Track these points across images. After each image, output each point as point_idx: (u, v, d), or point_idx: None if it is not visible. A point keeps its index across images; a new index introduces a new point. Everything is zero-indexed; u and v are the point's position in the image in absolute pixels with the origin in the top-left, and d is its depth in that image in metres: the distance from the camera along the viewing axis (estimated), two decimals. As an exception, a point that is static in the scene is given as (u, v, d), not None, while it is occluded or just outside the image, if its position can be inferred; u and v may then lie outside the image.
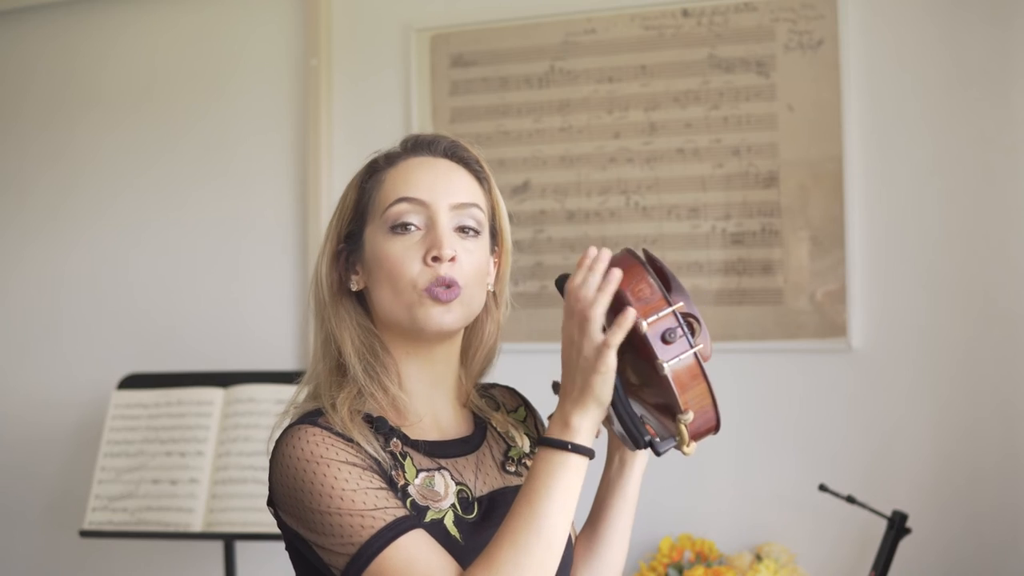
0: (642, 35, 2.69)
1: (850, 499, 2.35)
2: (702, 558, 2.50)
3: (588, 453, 1.22)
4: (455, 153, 1.39)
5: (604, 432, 1.54)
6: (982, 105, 2.45)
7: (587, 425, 1.22)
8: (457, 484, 1.34)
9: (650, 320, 1.14)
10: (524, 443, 1.48)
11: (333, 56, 2.96)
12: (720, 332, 2.58)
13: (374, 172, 1.38)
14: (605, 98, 2.73)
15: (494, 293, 1.43)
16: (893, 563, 2.32)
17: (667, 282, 1.19)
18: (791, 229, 2.58)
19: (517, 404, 1.55)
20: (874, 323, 2.52)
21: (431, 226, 1.33)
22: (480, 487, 1.37)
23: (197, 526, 2.60)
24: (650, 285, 1.17)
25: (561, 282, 1.26)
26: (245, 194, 3.04)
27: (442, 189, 1.34)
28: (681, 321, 1.15)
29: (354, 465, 1.25)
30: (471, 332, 1.43)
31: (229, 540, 2.66)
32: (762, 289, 2.59)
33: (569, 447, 1.21)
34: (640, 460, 1.49)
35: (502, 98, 2.81)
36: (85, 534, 2.70)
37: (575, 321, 1.20)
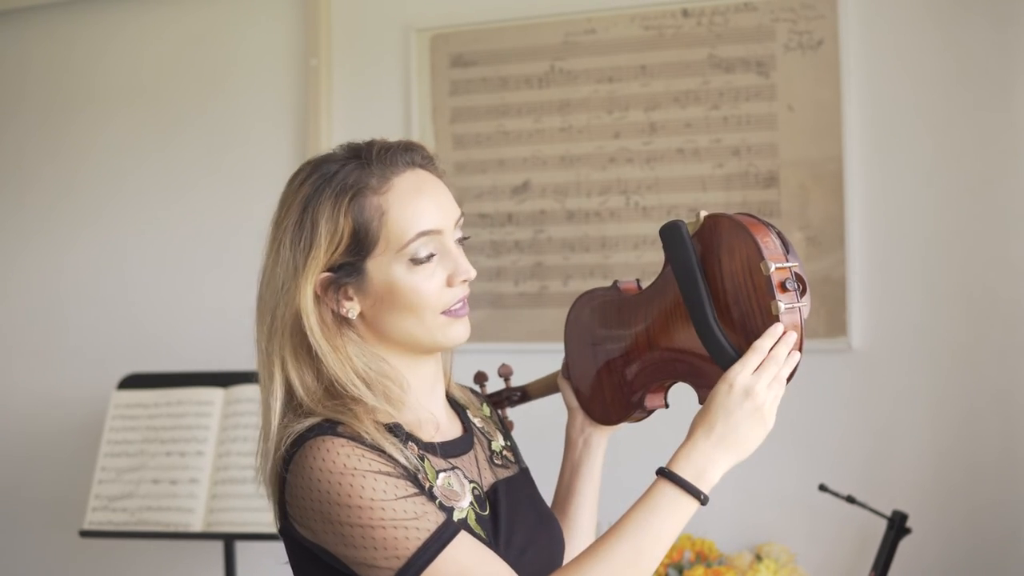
0: (642, 35, 2.69)
1: (850, 499, 2.35)
2: (702, 558, 2.50)
3: (707, 502, 1.25)
4: (428, 164, 1.37)
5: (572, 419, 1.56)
6: (982, 105, 2.45)
7: (719, 477, 1.25)
8: (470, 482, 1.35)
9: (778, 266, 1.24)
10: (499, 437, 1.50)
11: (333, 56, 2.96)
12: (720, 332, 2.58)
13: (359, 197, 1.30)
14: (605, 98, 2.72)
15: None
16: (893, 563, 2.32)
17: (787, 247, 1.29)
18: (791, 229, 2.58)
19: (480, 401, 1.57)
20: (874, 323, 2.52)
21: (445, 251, 1.33)
22: (484, 483, 1.38)
23: (197, 526, 2.60)
24: (774, 242, 1.27)
25: (675, 230, 1.32)
26: (245, 194, 3.04)
27: (445, 211, 1.34)
28: (795, 278, 1.25)
29: (387, 475, 1.22)
30: None
31: (229, 540, 2.66)
32: (762, 289, 2.59)
33: (701, 497, 1.24)
34: (605, 440, 1.53)
35: (502, 98, 2.81)
36: (85, 534, 2.70)
37: (763, 373, 1.25)
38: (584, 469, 1.52)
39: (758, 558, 2.49)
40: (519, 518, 1.37)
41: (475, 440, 1.43)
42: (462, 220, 1.37)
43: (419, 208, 1.31)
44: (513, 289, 2.81)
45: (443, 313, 1.32)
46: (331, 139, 2.91)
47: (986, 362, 2.45)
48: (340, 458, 1.22)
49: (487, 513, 1.34)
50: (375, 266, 1.30)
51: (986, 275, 2.45)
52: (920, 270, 2.50)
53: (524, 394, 1.64)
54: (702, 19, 2.65)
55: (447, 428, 1.41)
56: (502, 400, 1.64)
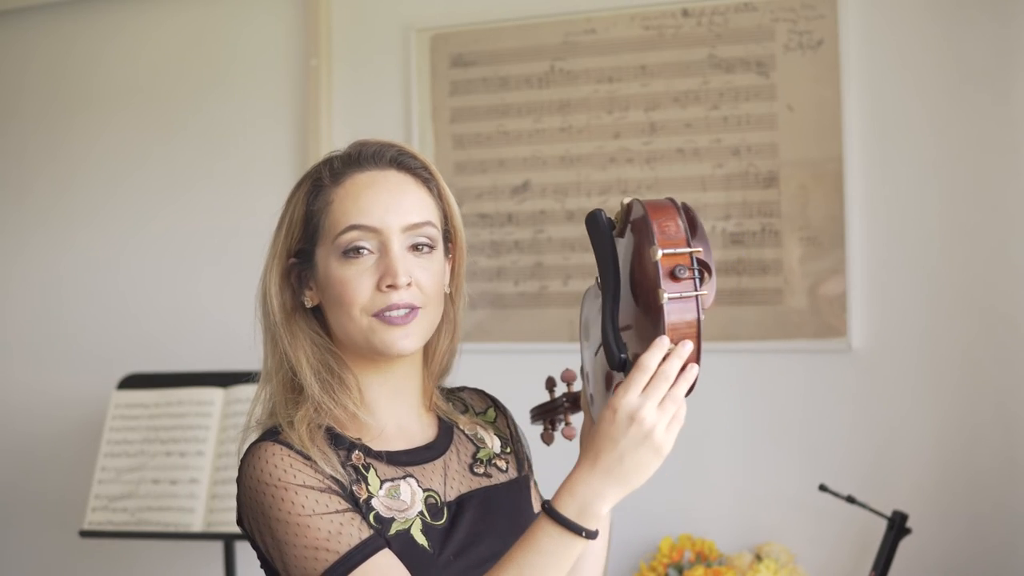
0: (642, 35, 2.69)
1: (850, 499, 2.35)
2: (702, 558, 2.50)
3: (595, 536, 1.18)
4: (402, 162, 1.36)
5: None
6: (982, 105, 2.45)
7: (607, 510, 1.17)
8: (425, 491, 1.33)
9: (666, 252, 1.14)
10: (494, 443, 1.46)
11: (333, 56, 2.96)
12: (720, 332, 2.58)
13: (320, 189, 1.34)
14: (605, 98, 2.72)
15: (450, 293, 1.41)
16: (893, 563, 2.32)
17: (694, 230, 1.19)
18: (791, 229, 2.58)
19: (486, 406, 1.53)
20: (874, 323, 2.52)
21: (384, 251, 1.30)
22: (449, 492, 1.36)
23: (197, 526, 2.60)
24: (677, 225, 1.17)
25: (592, 219, 1.24)
26: (245, 194, 3.04)
27: (392, 212, 1.31)
28: (695, 265, 1.15)
29: (311, 488, 1.23)
30: (430, 337, 1.40)
31: (229, 540, 2.66)
32: (762, 289, 2.59)
33: (584, 534, 1.17)
34: None
35: (502, 98, 2.81)
36: (85, 534, 2.70)
37: (651, 394, 1.14)
38: None
39: (758, 558, 2.49)
40: (487, 529, 1.35)
41: (452, 447, 1.40)
42: (427, 228, 1.33)
43: (359, 203, 1.31)
44: (513, 289, 2.81)
45: (374, 316, 1.29)
46: (331, 139, 2.92)
47: (986, 361, 2.45)
48: (268, 467, 1.24)
49: (442, 522, 1.32)
50: (320, 256, 1.33)
51: (986, 275, 2.45)
52: (920, 270, 2.50)
53: (576, 399, 1.58)
54: (702, 19, 2.65)
55: (416, 435, 1.39)
56: (555, 408, 1.60)
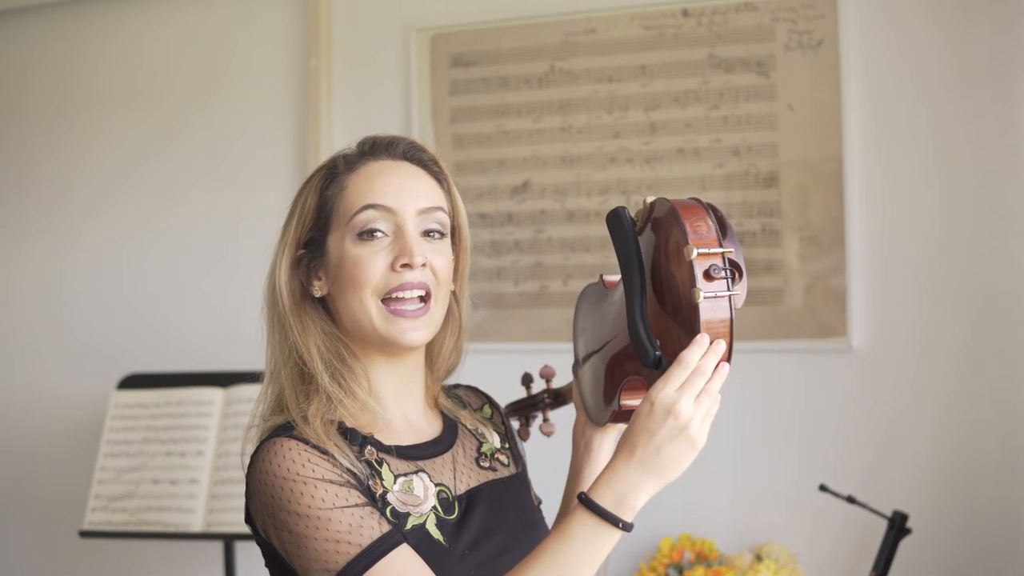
0: (642, 35, 2.69)
1: (850, 499, 2.35)
2: (702, 558, 2.50)
3: (630, 529, 1.19)
4: (413, 155, 1.38)
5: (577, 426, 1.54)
6: (982, 105, 2.45)
7: (643, 502, 1.18)
8: (436, 485, 1.34)
9: (700, 251, 1.16)
10: (494, 439, 1.48)
11: (333, 56, 2.96)
12: (720, 332, 2.58)
13: (334, 177, 1.36)
14: (605, 98, 2.72)
15: (454, 292, 1.42)
16: (893, 563, 2.32)
17: (724, 231, 1.21)
18: (791, 229, 2.58)
19: (482, 402, 1.54)
20: (874, 323, 2.52)
21: (399, 233, 1.32)
22: (458, 486, 1.36)
23: (197, 526, 2.60)
24: (708, 225, 1.19)
25: (615, 216, 1.25)
26: (244, 194, 3.04)
27: (407, 194, 1.33)
28: (727, 265, 1.17)
29: (331, 482, 1.23)
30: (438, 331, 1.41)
31: (229, 540, 2.66)
32: (762, 289, 2.59)
33: (620, 525, 1.18)
34: (606, 444, 1.48)
35: (502, 98, 2.81)
36: (85, 534, 2.70)
37: (689, 389, 1.16)
38: (585, 473, 1.48)
39: (758, 558, 2.49)
40: (499, 522, 1.36)
41: (458, 441, 1.42)
42: (439, 214, 1.35)
43: (374, 185, 1.33)
44: (513, 289, 2.81)
45: (384, 302, 1.31)
46: (331, 139, 2.92)
47: (986, 361, 2.45)
48: (286, 462, 1.24)
49: (454, 516, 1.32)
50: (332, 241, 1.34)
51: (986, 274, 2.45)
52: (920, 270, 2.50)
53: (558, 396, 1.60)
54: (702, 19, 2.65)
55: (422, 429, 1.40)
56: (535, 404, 1.61)
